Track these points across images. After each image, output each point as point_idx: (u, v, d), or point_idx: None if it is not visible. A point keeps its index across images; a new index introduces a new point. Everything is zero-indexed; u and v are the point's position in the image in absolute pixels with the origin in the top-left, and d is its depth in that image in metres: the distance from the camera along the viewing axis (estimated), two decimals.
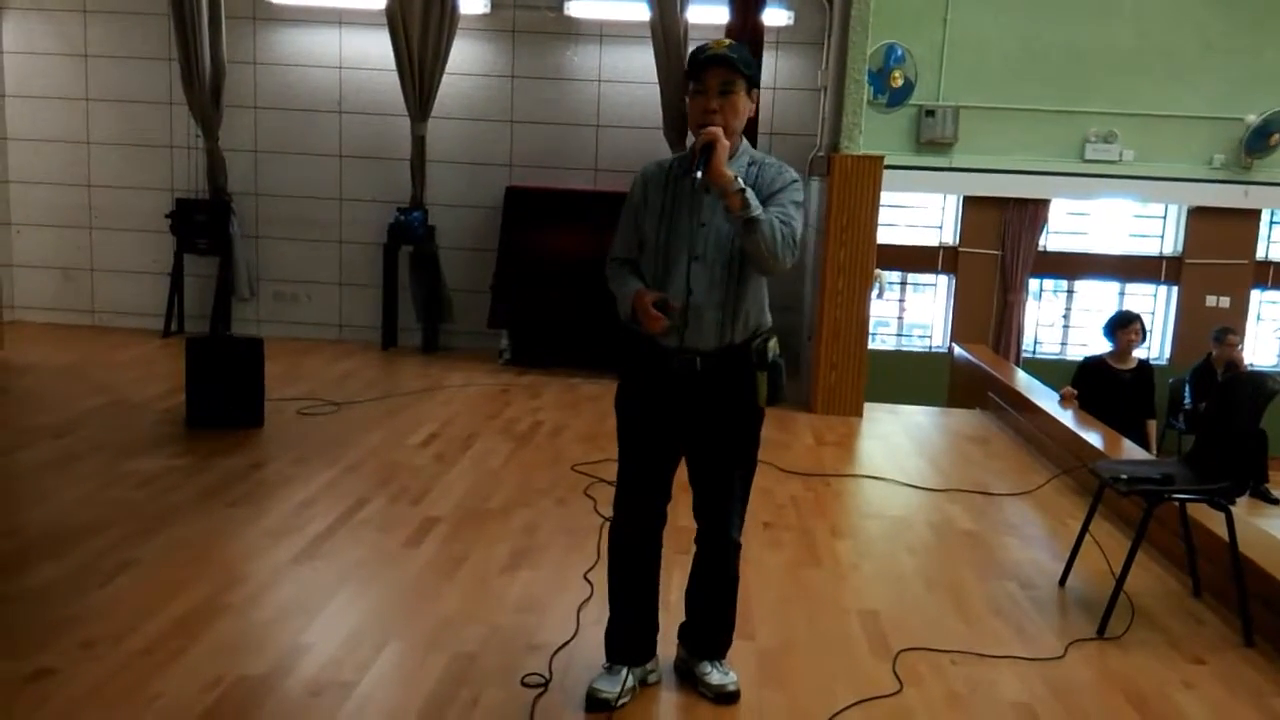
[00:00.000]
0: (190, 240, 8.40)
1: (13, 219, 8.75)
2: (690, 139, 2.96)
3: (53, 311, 8.83)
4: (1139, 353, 7.29)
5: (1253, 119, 9.78)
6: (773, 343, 3.00)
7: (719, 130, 2.79)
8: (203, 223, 8.36)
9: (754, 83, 2.92)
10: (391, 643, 3.36)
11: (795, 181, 2.95)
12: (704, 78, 2.86)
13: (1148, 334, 7.39)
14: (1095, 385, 7.02)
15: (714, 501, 3.04)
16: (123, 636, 3.29)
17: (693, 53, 2.93)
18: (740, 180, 2.77)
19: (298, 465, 5.24)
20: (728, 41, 2.91)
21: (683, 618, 3.23)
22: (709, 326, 2.90)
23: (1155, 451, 6.95)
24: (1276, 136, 9.76)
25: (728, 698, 3.06)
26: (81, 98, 8.65)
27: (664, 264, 2.92)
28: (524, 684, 3.10)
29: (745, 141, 2.98)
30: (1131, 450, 5.59)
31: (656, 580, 3.14)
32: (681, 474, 3.07)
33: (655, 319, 2.85)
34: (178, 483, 4.88)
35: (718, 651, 3.17)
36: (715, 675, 3.11)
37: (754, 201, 2.77)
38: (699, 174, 2.76)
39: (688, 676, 3.17)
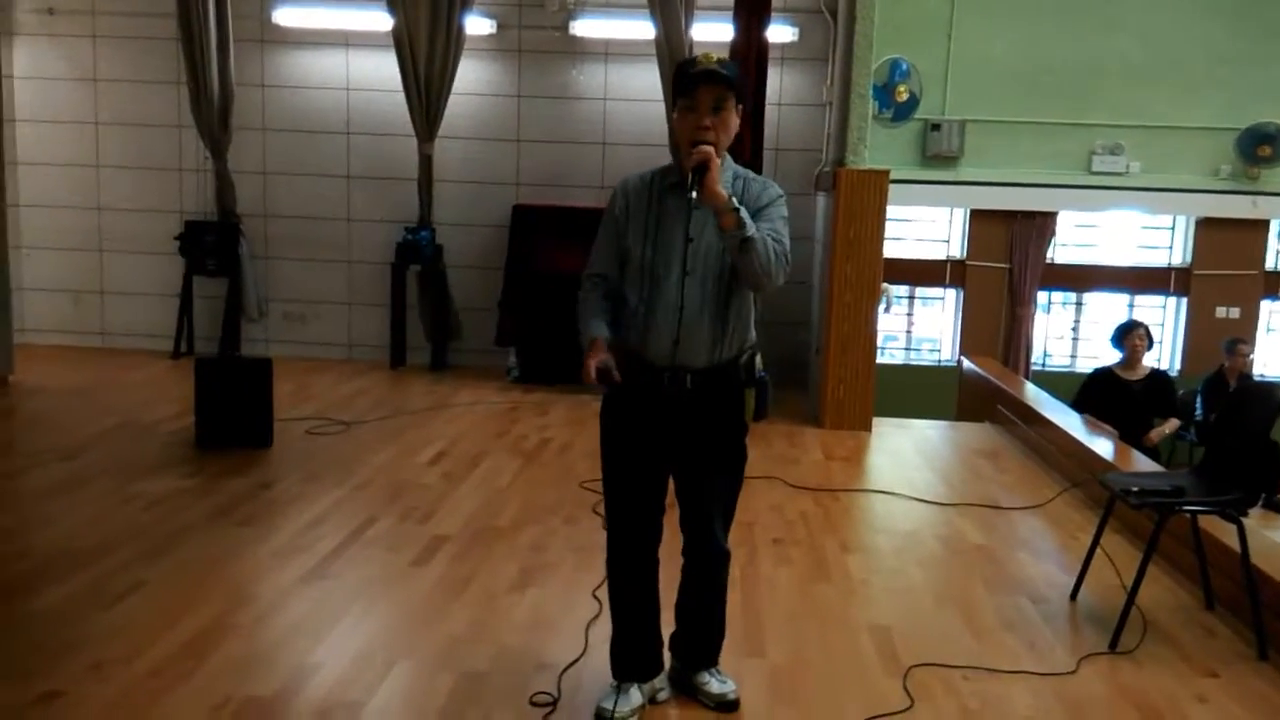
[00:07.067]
0: (199, 262, 8.44)
1: (23, 242, 8.76)
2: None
3: (63, 334, 8.87)
4: (1150, 361, 7.28)
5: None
6: (758, 359, 3.00)
7: (711, 150, 2.75)
8: (212, 244, 8.41)
9: (742, 99, 2.87)
10: (400, 662, 3.35)
11: (781, 196, 2.94)
12: (696, 94, 2.80)
13: (1154, 341, 7.37)
14: (1104, 395, 7.02)
15: (703, 516, 3.03)
16: (131, 658, 3.29)
17: (681, 65, 2.86)
18: (734, 199, 2.75)
19: (306, 485, 5.25)
20: (716, 56, 2.85)
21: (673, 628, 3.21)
22: (701, 343, 2.88)
23: (1157, 443, 7.06)
24: (1268, 149, 9.69)
25: (729, 706, 3.10)
26: (91, 122, 8.71)
27: (650, 280, 2.88)
28: (533, 703, 3.09)
29: (728, 156, 2.93)
30: (1141, 462, 5.56)
31: (657, 596, 3.13)
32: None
33: (587, 374, 2.80)
34: (187, 503, 4.89)
35: (712, 658, 3.18)
36: (715, 684, 3.14)
37: (749, 220, 2.75)
38: (694, 194, 2.72)
39: (685, 688, 3.17)
